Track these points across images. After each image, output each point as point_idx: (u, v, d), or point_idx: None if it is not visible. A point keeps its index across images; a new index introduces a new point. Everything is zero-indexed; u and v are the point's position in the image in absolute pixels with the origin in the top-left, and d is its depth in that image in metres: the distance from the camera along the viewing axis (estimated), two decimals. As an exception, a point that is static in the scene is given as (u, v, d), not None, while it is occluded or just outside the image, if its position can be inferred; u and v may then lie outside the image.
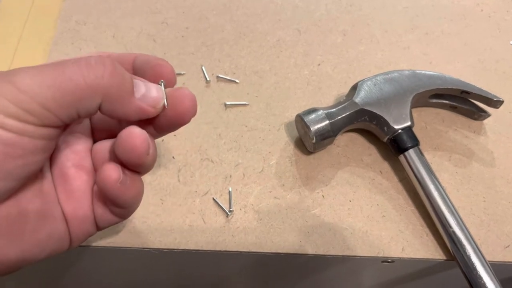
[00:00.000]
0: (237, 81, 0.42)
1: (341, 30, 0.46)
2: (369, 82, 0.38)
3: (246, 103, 0.41)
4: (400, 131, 0.36)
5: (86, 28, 0.45)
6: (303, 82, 0.43)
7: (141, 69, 0.26)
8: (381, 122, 0.36)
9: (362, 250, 0.35)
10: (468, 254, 0.32)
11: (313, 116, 0.36)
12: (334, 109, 0.36)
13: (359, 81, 0.38)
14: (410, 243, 0.35)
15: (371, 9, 0.48)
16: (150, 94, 0.24)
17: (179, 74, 0.42)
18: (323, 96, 0.42)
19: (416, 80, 0.38)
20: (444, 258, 0.34)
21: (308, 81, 0.43)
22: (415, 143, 0.36)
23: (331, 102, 0.42)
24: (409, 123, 0.36)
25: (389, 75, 0.38)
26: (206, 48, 0.44)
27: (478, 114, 0.40)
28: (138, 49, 0.43)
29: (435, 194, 0.34)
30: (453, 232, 0.33)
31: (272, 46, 0.45)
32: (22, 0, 0.47)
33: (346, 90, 0.41)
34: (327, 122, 0.35)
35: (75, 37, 0.44)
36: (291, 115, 0.40)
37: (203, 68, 0.43)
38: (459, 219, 0.33)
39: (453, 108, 0.41)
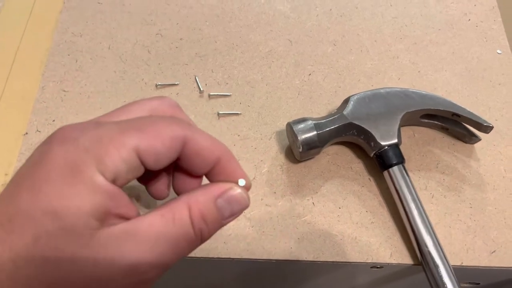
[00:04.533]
0: (228, 94, 0.43)
1: (332, 40, 0.47)
2: (360, 97, 0.38)
3: (239, 112, 0.42)
4: (386, 147, 0.37)
5: (82, 40, 0.46)
6: (294, 92, 0.44)
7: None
8: (368, 137, 0.37)
9: (351, 256, 0.35)
10: (440, 275, 0.33)
11: (302, 125, 0.36)
12: (323, 121, 0.37)
13: (351, 95, 0.39)
14: (398, 249, 0.36)
15: (361, 20, 0.49)
16: (234, 210, 0.25)
17: (173, 85, 0.43)
18: (313, 105, 0.43)
19: (407, 99, 0.39)
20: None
21: (299, 91, 0.44)
22: (400, 160, 0.36)
23: (321, 111, 0.43)
24: (395, 141, 0.37)
25: (381, 91, 0.39)
26: (199, 59, 0.45)
27: (469, 138, 0.41)
28: (133, 60, 0.44)
29: (415, 213, 0.35)
30: (429, 252, 0.34)
31: (264, 56, 0.46)
32: (19, 12, 0.48)
33: (336, 99, 0.42)
34: (314, 132, 0.36)
35: (71, 49, 0.45)
36: (283, 124, 0.41)
37: (197, 78, 0.44)
38: (435, 240, 0.34)
39: (444, 130, 0.42)
